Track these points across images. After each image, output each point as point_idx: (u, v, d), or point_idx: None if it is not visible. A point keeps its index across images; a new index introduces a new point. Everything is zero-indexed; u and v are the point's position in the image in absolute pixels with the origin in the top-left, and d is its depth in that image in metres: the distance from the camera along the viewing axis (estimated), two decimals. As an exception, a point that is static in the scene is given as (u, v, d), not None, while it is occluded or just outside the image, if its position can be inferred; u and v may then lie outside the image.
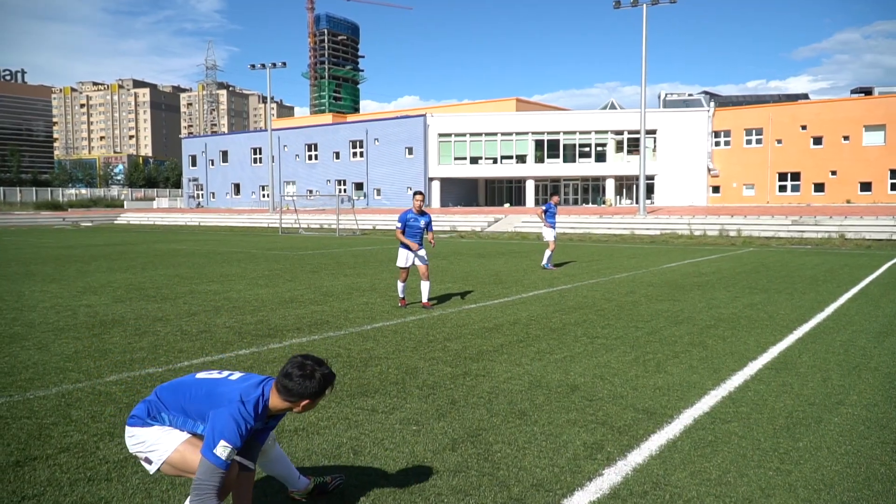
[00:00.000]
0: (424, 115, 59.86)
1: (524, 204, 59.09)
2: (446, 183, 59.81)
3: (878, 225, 29.67)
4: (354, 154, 64.34)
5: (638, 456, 4.49)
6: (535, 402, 5.66)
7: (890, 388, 6.05)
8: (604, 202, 57.17)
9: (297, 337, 8.31)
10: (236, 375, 3.39)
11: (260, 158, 70.44)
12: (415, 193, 10.75)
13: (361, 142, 63.66)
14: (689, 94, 73.35)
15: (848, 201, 48.87)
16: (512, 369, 6.73)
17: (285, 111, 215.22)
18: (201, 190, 76.44)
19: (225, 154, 74.10)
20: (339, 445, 4.66)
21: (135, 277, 14.73)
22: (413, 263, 10.69)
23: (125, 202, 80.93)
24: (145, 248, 24.96)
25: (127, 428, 3.35)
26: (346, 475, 4.12)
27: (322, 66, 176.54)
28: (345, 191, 63.75)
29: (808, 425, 5.07)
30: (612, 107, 62.05)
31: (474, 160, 59.38)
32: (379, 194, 62.70)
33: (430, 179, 59.41)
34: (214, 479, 3.04)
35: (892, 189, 49.40)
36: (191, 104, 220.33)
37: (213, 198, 74.93)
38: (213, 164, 74.89)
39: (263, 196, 68.97)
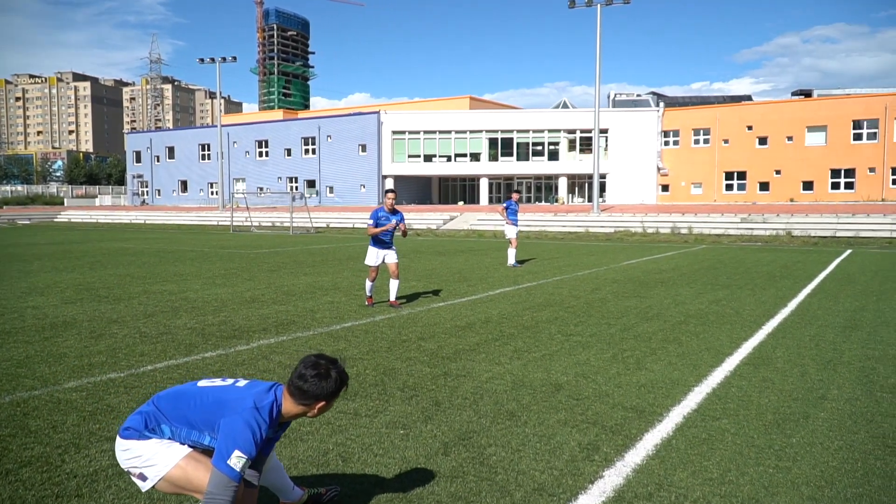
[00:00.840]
0: (378, 112, 59.40)
1: (478, 202, 59.17)
2: (400, 180, 59.46)
3: (823, 222, 30.59)
4: (306, 151, 63.43)
5: (636, 456, 4.38)
6: (522, 402, 5.51)
7: (866, 381, 6.11)
8: (556, 200, 57.67)
9: (265, 338, 7.99)
10: (243, 382, 3.14)
11: (208, 155, 68.84)
12: (387, 191, 10.51)
13: (314, 138, 62.80)
14: (638, 95, 74.63)
15: (791, 200, 50.36)
16: (492, 368, 6.58)
17: (233, 107, 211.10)
18: (146, 187, 74.35)
19: (171, 150, 72.20)
20: (325, 452, 4.43)
21: (83, 277, 14.09)
22: (383, 261, 10.45)
23: (65, 199, 78.20)
24: (90, 246, 24.02)
25: (120, 441, 3.06)
26: (340, 485, 3.90)
27: (271, 62, 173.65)
28: (297, 188, 62.79)
29: (796, 421, 5.05)
30: (565, 106, 62.66)
31: (428, 158, 59.19)
32: (332, 192, 61.96)
33: (384, 177, 59.00)
34: (228, 493, 2.80)
35: (832, 188, 51.09)
36: (134, 99, 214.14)
37: (159, 195, 72.96)
38: (158, 161, 72.90)
39: (212, 193, 67.46)
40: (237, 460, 2.81)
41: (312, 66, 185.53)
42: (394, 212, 10.45)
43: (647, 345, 7.67)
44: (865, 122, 49.90)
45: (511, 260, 16.68)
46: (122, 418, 4.99)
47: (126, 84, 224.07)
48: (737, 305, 10.52)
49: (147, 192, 74.09)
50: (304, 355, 3.20)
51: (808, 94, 65.05)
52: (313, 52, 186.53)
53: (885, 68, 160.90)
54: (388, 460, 4.29)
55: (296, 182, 63.56)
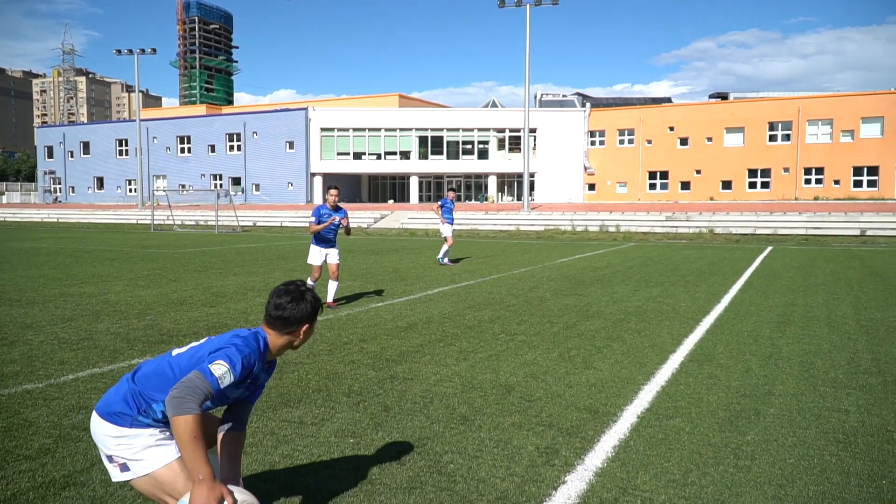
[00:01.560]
0: (306, 109, 58.36)
1: (408, 200, 58.93)
2: (329, 178, 58.55)
3: (743, 220, 31.76)
4: (231, 147, 61.72)
5: (596, 459, 4.27)
6: (474, 405, 5.34)
7: (808, 376, 6.21)
8: (486, 199, 58.02)
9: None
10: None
11: (126, 150, 66.13)
12: (329, 188, 10.18)
13: (239, 135, 61.16)
14: (564, 95, 75.93)
15: (711, 198, 52.22)
16: (439, 370, 6.38)
17: (152, 101, 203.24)
18: (59, 184, 70.77)
19: (86, 145, 68.98)
20: (272, 465, 4.13)
21: (-8, 279, 13.14)
22: (325, 261, 10.12)
23: (-31, 197, 73.62)
24: (-1, 246, 22.56)
25: (107, 425, 2.81)
26: (290, 500, 3.61)
27: (193, 56, 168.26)
28: (221, 186, 60.98)
29: (748, 418, 5.05)
30: (494, 105, 63.12)
31: (357, 156, 58.55)
32: (258, 190, 60.51)
33: (312, 174, 58.03)
34: (196, 398, 2.61)
35: (750, 187, 53.27)
36: (45, 91, 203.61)
37: (73, 192, 69.60)
38: (72, 156, 69.53)
39: (131, 191, 64.84)
40: (219, 368, 2.69)
41: (236, 61, 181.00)
42: (336, 209, 10.13)
43: (591, 343, 7.63)
44: (780, 125, 52.24)
45: (443, 256, 16.55)
46: (43, 433, 4.56)
47: (36, 76, 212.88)
48: (672, 302, 10.67)
49: (60, 189, 70.54)
50: (271, 291, 3.10)
51: (724, 96, 67.62)
52: (237, 47, 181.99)
53: (795, 73, 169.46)
54: (340, 472, 4.04)
55: (220, 179, 61.74)
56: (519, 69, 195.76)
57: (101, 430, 2.84)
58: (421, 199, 59.38)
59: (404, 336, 7.98)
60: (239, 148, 61.18)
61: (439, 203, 17.22)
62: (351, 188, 63.13)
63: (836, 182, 50.94)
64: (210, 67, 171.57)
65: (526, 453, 4.35)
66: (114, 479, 2.87)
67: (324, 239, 10.15)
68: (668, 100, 76.05)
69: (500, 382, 5.99)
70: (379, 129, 57.87)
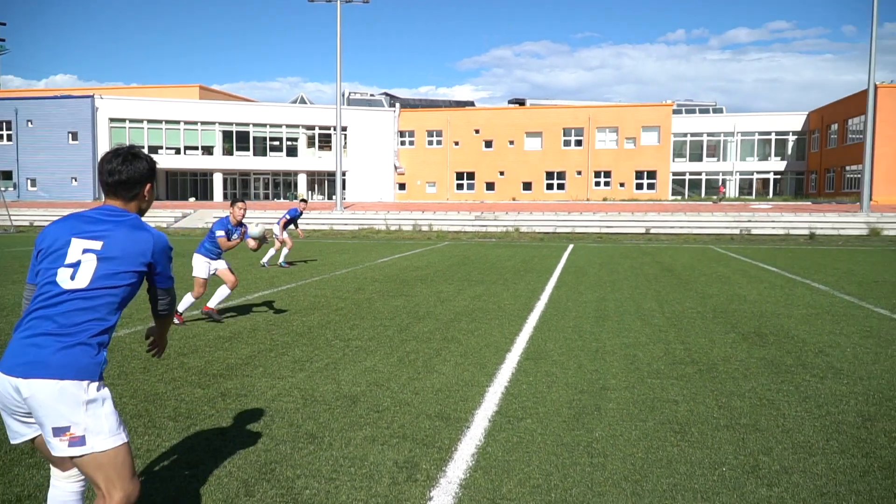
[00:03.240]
0: (92, 97, 53.09)
1: (212, 198, 55.83)
2: (121, 174, 53.82)
3: (545, 220, 33.77)
4: (0, 137, 54.62)
5: (457, 470, 4.13)
6: (320, 420, 4.99)
7: (633, 369, 6.57)
8: (295, 197, 56.60)
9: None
10: None
11: None
12: (236, 201, 8.94)
13: (10, 123, 54.21)
14: (371, 95, 76.16)
15: (514, 199, 55.07)
16: (276, 384, 5.93)
17: None
18: None
19: None
20: (94, 512, 3.51)
21: None
22: (214, 273, 9.03)
23: None
24: None
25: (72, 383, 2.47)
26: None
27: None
28: (-11, 180, 53.78)
29: (591, 414, 5.20)
30: (303, 101, 61.69)
31: (153, 150, 54.33)
32: (34, 185, 54.10)
33: (102, 170, 52.94)
34: None
35: (547, 188, 56.91)
36: None
37: None
38: None
39: None
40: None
41: (3, 39, 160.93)
42: (239, 224, 9.08)
43: (428, 345, 7.54)
44: (573, 130, 56.36)
45: (266, 258, 15.83)
46: None
47: None
48: (497, 300, 10.93)
49: None
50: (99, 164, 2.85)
51: (522, 102, 71.64)
52: (3, 24, 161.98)
53: (582, 83, 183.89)
54: (180, 512, 3.53)
55: (-13, 173, 54.41)
56: (325, 66, 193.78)
57: (49, 391, 2.46)
58: (225, 197, 56.51)
59: (229, 347, 7.38)
60: (9, 138, 54.21)
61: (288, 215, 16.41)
62: (147, 185, 58.53)
63: (622, 185, 55.97)
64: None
65: (385, 470, 4.11)
66: (54, 452, 2.49)
67: (213, 251, 9.06)
68: (472, 103, 79.04)
69: (343, 393, 5.68)
70: (178, 122, 54.20)
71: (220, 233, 8.95)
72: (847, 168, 51.36)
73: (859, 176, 40.15)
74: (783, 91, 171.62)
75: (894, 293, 11.79)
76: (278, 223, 16.16)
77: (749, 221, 31.90)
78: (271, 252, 16.05)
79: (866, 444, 4.53)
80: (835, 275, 14.71)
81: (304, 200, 17.02)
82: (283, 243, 16.15)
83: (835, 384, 5.98)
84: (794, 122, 59.20)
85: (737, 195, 58.80)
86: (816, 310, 10.00)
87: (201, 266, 9.04)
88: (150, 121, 53.72)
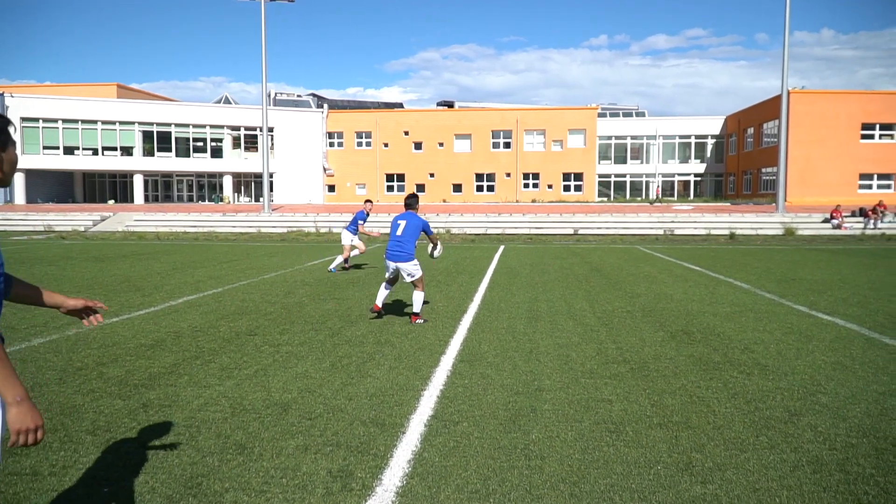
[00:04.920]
0: (2, 95, 50.35)
1: (132, 200, 53.82)
2: (34, 175, 51.30)
3: (476, 221, 33.95)
4: None
5: (393, 477, 4.02)
6: (249, 430, 4.79)
7: (567, 369, 6.59)
8: (221, 199, 55.19)
9: None
10: None
11: None
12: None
13: None
14: (298, 95, 74.98)
15: (444, 200, 55.18)
16: (202, 393, 5.67)
17: None
18: None
19: None
20: (0, 539, 3.25)
21: None
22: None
23: None
24: None
25: None
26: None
27: None
28: None
29: (527, 416, 5.17)
30: (227, 101, 60.17)
31: (69, 150, 52.02)
32: (-62, 187, 50.90)
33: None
34: None
35: (477, 190, 57.28)
36: None
37: None
38: None
39: None
40: None
41: None
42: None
43: (361, 349, 7.39)
44: (502, 133, 56.94)
45: (333, 266, 15.65)
46: None
47: None
48: (431, 302, 10.85)
49: None
50: None
51: (450, 104, 71.93)
52: None
53: (509, 86, 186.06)
54: (97, 535, 3.30)
55: None
56: (251, 66, 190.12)
57: None
58: (147, 199, 54.61)
59: (152, 355, 7.04)
60: (-90, 137, 50.89)
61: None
62: (62, 187, 56.01)
63: (550, 186, 56.88)
64: None
65: (319, 480, 3.96)
66: None
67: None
68: (401, 105, 78.87)
69: (274, 401, 5.48)
70: (95, 122, 51.99)
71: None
72: (763, 170, 53.69)
73: (775, 178, 42.03)
74: (701, 96, 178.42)
75: (811, 290, 12.31)
76: (351, 230, 15.61)
77: (672, 222, 32.90)
78: (339, 259, 15.71)
79: (794, 438, 4.65)
80: (755, 273, 15.28)
81: (368, 201, 16.49)
82: (352, 248, 15.92)
83: (761, 380, 6.15)
84: (713, 125, 61.51)
85: (660, 197, 60.65)
86: (740, 307, 10.33)
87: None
88: (65, 120, 51.37)
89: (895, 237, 29.71)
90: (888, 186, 48.66)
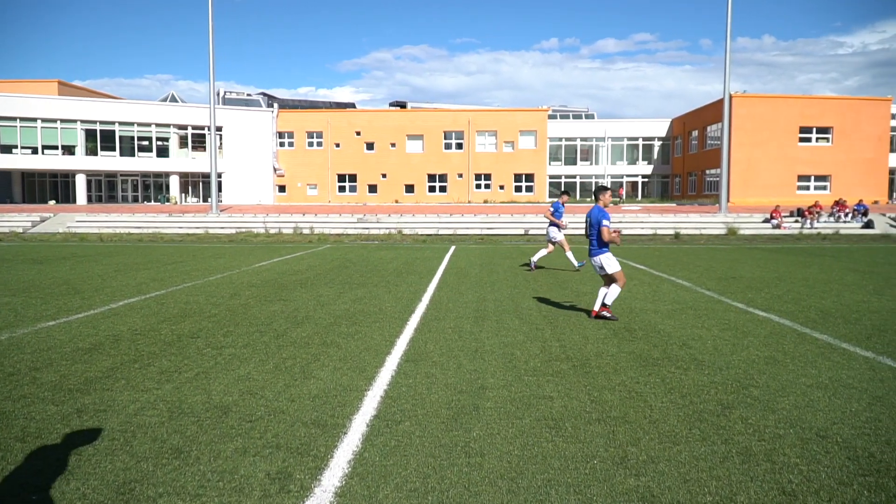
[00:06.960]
0: (-67, 91, 48.35)
1: (74, 201, 52.25)
2: (-32, 175, 49.38)
3: (427, 222, 33.97)
4: None
5: (333, 478, 4.01)
6: (187, 434, 4.71)
7: (511, 367, 6.67)
8: (168, 200, 54.02)
9: None
10: None
11: None
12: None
13: None
14: (248, 95, 73.88)
15: (396, 201, 55.09)
16: (139, 397, 5.56)
17: None
18: None
19: None
20: (-83, 551, 3.13)
21: None
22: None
23: None
24: None
25: None
26: None
27: None
28: None
29: (470, 414, 5.21)
30: (174, 100, 58.91)
31: (7, 149, 50.24)
32: None
33: (-55, 170, 48.36)
34: None
35: (430, 191, 57.33)
36: None
37: None
38: None
39: None
40: None
41: None
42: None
43: (306, 351, 7.34)
44: (454, 134, 57.11)
45: (574, 262, 16.03)
46: None
47: None
48: (378, 303, 10.83)
49: None
50: None
51: (403, 105, 71.79)
52: None
53: (462, 87, 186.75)
54: (22, 544, 3.21)
55: None
56: (198, 64, 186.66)
57: None
58: (90, 200, 53.11)
59: (88, 360, 6.86)
60: None
61: (551, 209, 15.84)
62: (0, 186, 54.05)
63: (501, 187, 57.30)
64: None
65: (256, 482, 3.93)
66: None
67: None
68: (353, 105, 78.38)
69: (213, 404, 5.40)
70: (34, 120, 50.33)
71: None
72: (707, 172, 55.10)
73: (718, 179, 43.15)
74: (648, 99, 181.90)
75: (749, 288, 12.69)
76: (554, 225, 15.72)
77: (620, 222, 33.49)
78: (542, 252, 16.04)
79: (725, 431, 4.80)
80: (697, 272, 15.67)
81: (566, 192, 16.24)
82: (555, 245, 16.07)
83: (697, 375, 6.32)
84: (659, 128, 62.85)
85: (623, 198, 61.63)
86: (681, 305, 10.59)
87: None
88: (2, 118, 49.59)
89: (830, 237, 30.85)
90: (824, 188, 50.47)
